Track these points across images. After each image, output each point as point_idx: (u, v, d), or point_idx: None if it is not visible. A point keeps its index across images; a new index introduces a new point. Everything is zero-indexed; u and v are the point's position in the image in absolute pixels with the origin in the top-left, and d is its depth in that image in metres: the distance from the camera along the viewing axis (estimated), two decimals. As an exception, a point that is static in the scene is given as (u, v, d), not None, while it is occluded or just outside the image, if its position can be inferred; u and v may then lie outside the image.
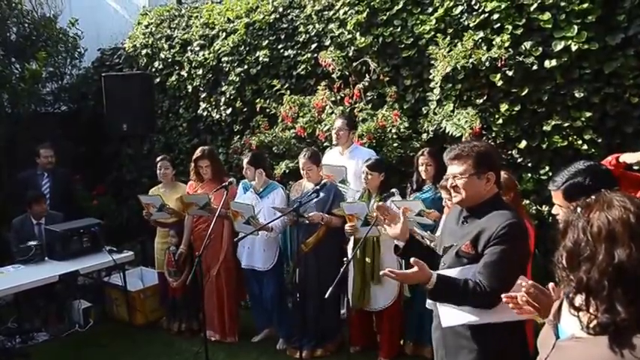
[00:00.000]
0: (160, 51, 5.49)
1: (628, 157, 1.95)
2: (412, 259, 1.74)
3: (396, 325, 3.42)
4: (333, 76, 4.18)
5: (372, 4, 4.00)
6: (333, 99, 4.16)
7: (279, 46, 4.59)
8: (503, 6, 3.37)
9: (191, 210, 3.66)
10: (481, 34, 3.49)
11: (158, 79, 5.47)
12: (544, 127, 3.36)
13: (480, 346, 1.79)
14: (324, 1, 4.34)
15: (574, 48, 3.15)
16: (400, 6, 3.88)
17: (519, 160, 3.50)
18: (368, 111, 4.00)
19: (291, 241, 3.66)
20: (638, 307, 0.94)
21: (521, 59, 3.34)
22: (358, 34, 4.06)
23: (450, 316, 1.82)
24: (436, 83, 3.65)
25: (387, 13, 3.94)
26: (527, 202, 3.34)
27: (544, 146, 3.38)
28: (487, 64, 3.41)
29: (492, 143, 3.43)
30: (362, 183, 3.39)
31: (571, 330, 1.08)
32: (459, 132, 3.46)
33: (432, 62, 3.68)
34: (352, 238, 3.31)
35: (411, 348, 3.41)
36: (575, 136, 3.27)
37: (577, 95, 3.23)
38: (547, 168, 3.37)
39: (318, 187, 3.22)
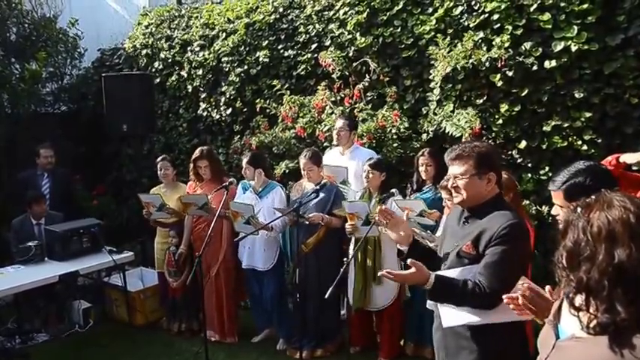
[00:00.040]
0: (160, 51, 5.49)
1: (628, 158, 1.95)
2: (409, 261, 1.75)
3: (396, 325, 3.42)
4: (333, 76, 4.18)
5: (372, 4, 4.00)
6: (333, 99, 4.16)
7: (279, 47, 4.59)
8: (503, 6, 3.37)
9: (190, 210, 3.66)
10: (481, 34, 3.49)
11: (158, 80, 5.47)
12: (544, 128, 3.36)
13: (481, 346, 1.79)
14: (324, 1, 4.35)
15: (574, 48, 3.16)
16: (400, 6, 3.89)
17: (519, 161, 3.50)
18: (368, 111, 4.01)
19: (291, 241, 3.66)
20: (638, 307, 0.94)
21: (521, 59, 3.34)
22: (358, 34, 4.07)
23: (451, 316, 1.82)
24: (436, 83, 3.65)
25: (387, 14, 3.95)
26: (527, 202, 3.35)
27: (544, 146, 3.38)
28: (487, 64, 3.42)
29: (492, 143, 3.43)
30: (363, 183, 3.39)
31: (571, 330, 1.08)
32: (459, 132, 3.46)
33: (432, 62, 3.68)
34: (353, 239, 3.31)
35: (412, 349, 3.41)
36: (575, 137, 3.27)
37: (577, 96, 3.23)
38: (547, 168, 3.38)
39: (317, 187, 3.22)
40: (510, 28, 3.36)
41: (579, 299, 1.02)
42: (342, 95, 4.16)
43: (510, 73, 3.38)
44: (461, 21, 3.62)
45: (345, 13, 4.16)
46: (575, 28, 3.16)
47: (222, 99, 4.98)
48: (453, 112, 3.60)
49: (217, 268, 3.72)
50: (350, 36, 4.12)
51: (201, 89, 5.17)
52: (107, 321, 4.23)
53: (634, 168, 2.07)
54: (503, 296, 1.48)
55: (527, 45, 3.31)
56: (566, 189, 1.54)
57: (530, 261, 2.41)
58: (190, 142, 5.30)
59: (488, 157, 1.81)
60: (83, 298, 4.24)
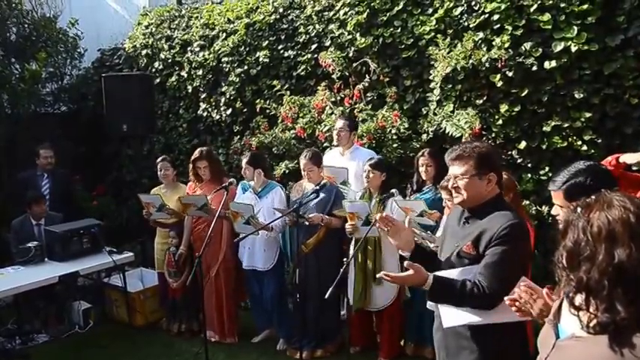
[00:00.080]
0: (160, 51, 5.49)
1: (628, 158, 1.95)
2: (406, 263, 1.76)
3: (396, 325, 3.42)
4: (333, 76, 4.18)
5: (372, 4, 4.01)
6: (333, 99, 4.17)
7: (280, 47, 4.59)
8: (503, 7, 3.38)
9: (190, 211, 3.66)
10: (481, 34, 3.49)
11: (158, 80, 5.47)
12: (544, 128, 3.36)
13: (481, 346, 1.79)
14: (325, 1, 4.35)
15: (574, 49, 3.16)
16: (400, 7, 3.89)
17: (519, 161, 3.50)
18: (368, 111, 4.01)
19: (291, 241, 3.66)
20: (638, 307, 0.95)
21: (521, 60, 3.34)
22: (358, 34, 4.07)
23: (451, 316, 1.82)
24: (436, 84, 3.66)
25: (387, 14, 3.95)
26: (527, 202, 3.35)
27: (544, 147, 3.38)
28: (487, 64, 3.42)
29: (492, 144, 3.43)
30: (363, 183, 3.39)
31: (571, 329, 1.09)
32: (459, 132, 3.46)
33: (432, 63, 3.68)
34: (354, 239, 3.31)
35: (412, 349, 3.41)
36: (574, 137, 3.27)
37: (577, 96, 3.23)
38: (547, 169, 3.38)
39: (317, 187, 3.22)
40: (510, 28, 3.37)
41: (579, 299, 1.02)
42: (342, 95, 4.17)
43: (510, 74, 3.39)
44: (461, 21, 3.62)
45: (345, 13, 4.16)
46: (575, 28, 3.16)
47: (222, 99, 4.98)
48: (452, 112, 3.60)
49: (217, 269, 3.72)
50: (350, 36, 4.12)
51: (201, 89, 5.17)
52: (107, 322, 4.22)
53: (634, 168, 2.07)
54: (505, 298, 1.48)
55: (527, 45, 3.31)
56: (566, 189, 1.54)
57: (530, 261, 2.41)
58: (190, 143, 5.30)
59: (489, 157, 1.82)
60: (83, 299, 4.23)
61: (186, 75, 5.27)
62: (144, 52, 5.63)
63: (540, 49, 3.28)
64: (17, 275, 3.60)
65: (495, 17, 3.42)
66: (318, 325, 3.50)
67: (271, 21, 4.63)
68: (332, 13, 4.28)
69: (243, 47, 4.80)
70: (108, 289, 4.28)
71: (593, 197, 1.06)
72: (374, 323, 3.54)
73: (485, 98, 3.55)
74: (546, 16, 3.24)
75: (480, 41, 3.49)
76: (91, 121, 5.74)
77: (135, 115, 4.71)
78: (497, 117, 3.51)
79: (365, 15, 4.01)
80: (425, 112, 3.82)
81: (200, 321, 3.72)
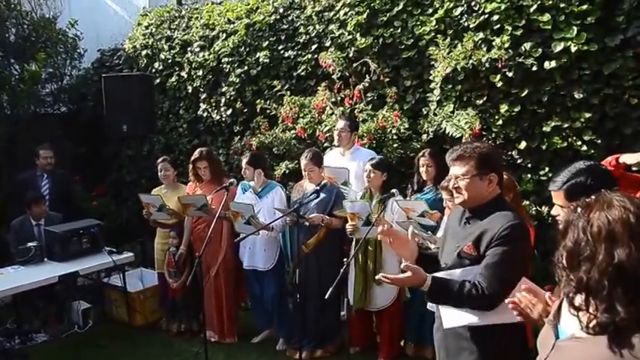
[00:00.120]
0: (160, 52, 5.49)
1: (628, 158, 1.95)
2: (403, 264, 1.76)
3: (395, 325, 3.42)
4: (334, 76, 4.18)
5: (372, 5, 4.01)
6: (333, 100, 4.17)
7: (280, 47, 4.59)
8: (503, 7, 3.38)
9: (189, 211, 3.66)
10: (481, 35, 3.49)
11: (158, 80, 5.47)
12: (544, 128, 3.36)
13: (481, 347, 1.79)
14: (325, 2, 4.35)
15: (573, 49, 3.16)
16: (400, 7, 3.89)
17: (519, 161, 3.50)
18: (368, 112, 4.01)
19: (292, 242, 3.66)
20: (638, 307, 0.95)
21: (520, 60, 3.34)
22: (358, 35, 4.07)
23: (451, 317, 1.82)
24: (436, 84, 3.66)
25: (388, 14, 3.95)
26: (527, 202, 3.35)
27: (544, 147, 3.38)
28: (487, 65, 3.42)
29: (492, 144, 3.43)
30: (364, 183, 3.39)
31: (571, 330, 1.09)
32: (459, 133, 3.47)
33: (432, 63, 3.69)
34: (355, 239, 3.31)
35: (413, 349, 3.41)
36: (574, 137, 3.28)
37: (576, 96, 3.23)
38: (547, 169, 3.38)
39: (318, 187, 3.22)
40: (510, 28, 3.37)
41: (579, 299, 1.02)
42: (343, 96, 4.17)
43: (510, 74, 3.39)
44: (461, 22, 3.62)
45: (345, 13, 4.16)
46: (575, 28, 3.16)
47: (223, 100, 4.98)
48: (453, 112, 3.60)
49: (217, 269, 3.72)
50: (350, 37, 4.12)
51: (202, 90, 5.17)
52: (107, 322, 4.22)
53: (633, 168, 2.07)
54: (507, 301, 1.49)
55: (527, 46, 3.31)
56: (567, 189, 1.54)
57: (530, 261, 2.41)
58: (190, 143, 5.30)
59: (490, 157, 1.82)
60: (83, 299, 4.23)
61: (186, 75, 5.27)
62: (144, 52, 5.63)
63: (540, 50, 3.28)
64: (17, 275, 3.59)
65: (495, 17, 3.43)
66: (318, 325, 3.50)
67: (271, 21, 4.64)
68: (332, 13, 4.29)
69: (243, 47, 4.80)
70: (107, 289, 4.28)
71: (593, 197, 1.06)
72: (374, 323, 3.54)
73: (485, 98, 3.55)
74: (546, 17, 3.24)
75: (479, 41, 3.49)
76: (90, 122, 5.74)
77: (135, 115, 4.71)
78: (497, 117, 3.51)
79: (365, 15, 4.01)
80: (425, 113, 3.83)
81: (200, 321, 3.72)
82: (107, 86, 4.75)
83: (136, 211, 4.82)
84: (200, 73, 5.11)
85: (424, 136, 3.80)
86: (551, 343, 1.13)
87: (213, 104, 5.08)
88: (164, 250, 3.92)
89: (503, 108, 3.46)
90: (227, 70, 4.91)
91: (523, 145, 3.45)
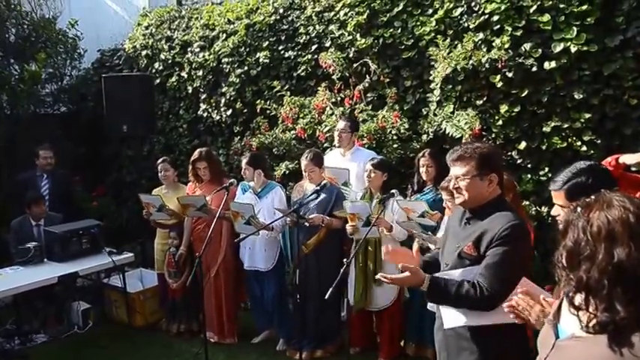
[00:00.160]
0: (160, 52, 5.49)
1: (627, 158, 1.95)
2: (400, 265, 1.78)
3: (396, 326, 3.42)
4: (334, 77, 4.18)
5: (372, 5, 4.01)
6: (333, 100, 4.17)
7: (280, 48, 4.60)
8: (502, 8, 3.38)
9: (189, 211, 3.66)
10: (481, 35, 3.49)
11: (158, 80, 5.47)
12: (544, 129, 3.36)
13: (481, 347, 1.79)
14: (325, 2, 4.35)
15: (573, 49, 3.16)
16: (400, 7, 3.89)
17: (519, 162, 3.50)
18: (368, 112, 4.01)
19: (292, 242, 3.65)
20: (638, 306, 0.95)
21: (520, 61, 3.35)
22: (358, 35, 4.07)
23: (452, 317, 1.82)
24: (436, 84, 3.66)
25: (388, 15, 3.95)
26: (527, 203, 3.35)
27: (543, 147, 3.38)
28: (487, 65, 3.42)
29: (493, 144, 3.43)
30: (364, 183, 3.39)
31: (571, 329, 1.09)
32: (459, 133, 3.47)
33: (432, 63, 3.69)
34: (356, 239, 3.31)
35: (413, 349, 3.41)
36: (574, 138, 3.28)
37: (576, 97, 3.23)
38: (546, 169, 3.38)
39: (318, 187, 3.22)
40: (510, 29, 3.37)
41: (579, 298, 1.02)
42: (343, 96, 4.17)
43: (510, 74, 3.39)
44: (461, 22, 3.63)
45: (345, 14, 4.16)
46: (575, 29, 3.17)
47: (223, 100, 4.98)
48: (453, 113, 3.61)
49: (217, 269, 3.72)
50: (350, 37, 4.12)
51: (202, 90, 5.17)
52: (106, 322, 4.22)
53: (633, 169, 2.07)
54: (503, 305, 1.50)
55: (527, 46, 3.31)
56: (568, 189, 1.54)
57: (530, 262, 2.41)
58: (191, 143, 5.30)
59: (490, 158, 1.82)
60: (82, 300, 4.23)
61: (186, 76, 5.27)
62: (144, 52, 5.64)
63: (540, 50, 3.28)
64: (16, 276, 3.59)
65: (495, 18, 3.43)
66: (318, 325, 3.50)
67: (271, 22, 4.64)
68: (332, 13, 4.29)
69: (243, 48, 4.80)
70: (107, 289, 4.28)
71: (592, 197, 1.06)
72: (374, 324, 3.54)
73: (485, 99, 3.55)
74: (546, 17, 3.24)
75: (479, 42, 3.50)
76: (90, 122, 5.74)
77: (135, 115, 4.71)
78: (497, 118, 3.52)
79: (365, 16, 4.01)
80: (425, 113, 3.83)
81: (200, 321, 3.72)
82: (107, 86, 4.75)
83: (136, 211, 4.82)
84: (200, 73, 5.11)
85: (424, 137, 3.80)
86: (551, 343, 1.13)
87: (214, 104, 5.08)
88: (164, 251, 3.92)
89: (503, 108, 3.46)
90: (227, 70, 4.91)
91: (523, 145, 3.45)
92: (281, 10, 4.62)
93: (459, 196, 1.83)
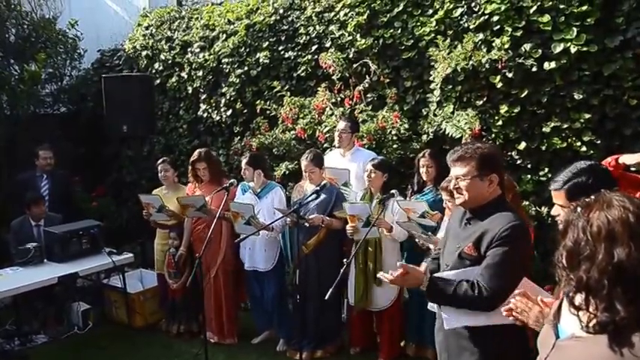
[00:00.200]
0: (160, 52, 5.50)
1: (627, 159, 1.95)
2: (398, 264, 1.80)
3: (396, 326, 3.42)
4: (334, 77, 4.18)
5: (372, 6, 4.01)
6: (333, 100, 4.17)
7: (280, 48, 4.60)
8: (502, 8, 3.38)
9: (188, 212, 3.66)
10: (481, 36, 3.50)
11: (158, 81, 5.47)
12: (543, 129, 3.36)
13: (482, 348, 1.79)
14: (325, 2, 4.35)
15: (573, 50, 3.16)
16: (400, 8, 3.90)
17: (519, 162, 3.50)
18: (368, 112, 4.01)
19: (292, 242, 3.65)
20: (638, 306, 0.95)
21: (520, 61, 3.35)
22: (359, 35, 4.07)
23: (452, 318, 1.82)
24: (436, 85, 3.66)
25: (388, 15, 3.96)
26: (527, 203, 3.35)
27: (543, 148, 3.38)
28: (487, 65, 3.42)
29: (493, 145, 3.43)
30: (365, 183, 3.38)
31: (571, 329, 1.09)
32: (459, 133, 3.47)
33: (432, 64, 3.69)
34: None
35: (413, 349, 3.41)
36: (574, 138, 3.28)
37: (576, 97, 3.23)
38: (546, 169, 3.38)
39: (318, 188, 3.22)
40: (510, 29, 3.37)
41: (579, 298, 1.02)
42: (343, 96, 4.17)
43: (510, 75, 3.39)
44: (461, 22, 3.63)
45: (345, 14, 4.17)
46: (575, 29, 3.17)
47: (223, 100, 4.98)
48: (453, 113, 3.61)
49: (216, 270, 3.72)
50: (350, 37, 4.12)
51: (202, 90, 5.17)
52: (106, 323, 4.22)
53: (632, 169, 2.08)
54: (502, 308, 1.51)
55: (527, 46, 3.31)
56: (568, 189, 1.54)
57: (531, 262, 2.41)
58: (190, 144, 5.30)
59: (491, 158, 1.82)
60: (82, 300, 4.22)
61: (186, 76, 5.27)
62: (144, 53, 5.64)
63: (540, 50, 3.29)
64: (16, 276, 3.59)
65: (495, 18, 3.43)
66: (318, 326, 3.49)
67: (271, 22, 4.64)
68: (332, 14, 4.29)
69: (243, 48, 4.80)
70: (107, 290, 4.28)
71: (592, 197, 1.06)
72: (374, 324, 3.54)
73: (485, 99, 3.55)
74: (546, 18, 3.24)
75: (479, 42, 3.50)
76: (90, 122, 5.74)
77: (135, 116, 4.71)
78: (497, 118, 3.52)
79: (365, 16, 4.02)
80: (425, 113, 3.83)
81: (199, 322, 3.72)
82: (107, 87, 4.75)
83: (135, 211, 4.82)
84: (200, 73, 5.11)
85: (424, 137, 3.80)
86: (551, 343, 1.13)
87: (214, 105, 5.08)
88: (164, 251, 3.91)
89: (503, 109, 3.46)
90: (227, 70, 4.91)
91: (523, 145, 3.45)
92: (281, 11, 4.62)
93: (459, 197, 1.84)
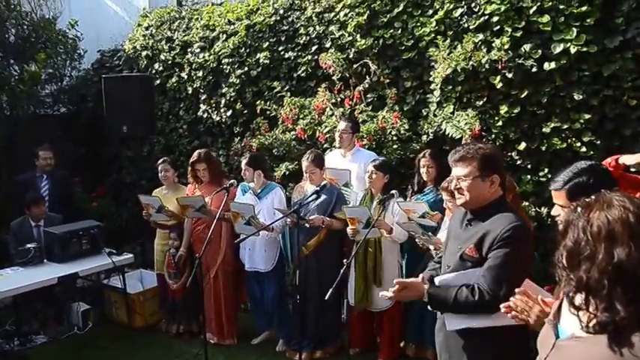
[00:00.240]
0: (160, 53, 5.50)
1: (627, 159, 1.95)
2: (395, 281, 1.83)
3: (396, 326, 3.42)
4: (334, 78, 4.18)
5: (372, 6, 4.01)
6: (333, 101, 4.17)
7: (280, 48, 4.60)
8: (502, 9, 3.38)
9: (188, 212, 3.66)
10: (481, 36, 3.50)
11: (158, 81, 5.47)
12: (543, 129, 3.36)
13: (482, 348, 1.80)
14: (325, 3, 4.36)
15: (573, 50, 3.17)
16: (400, 8, 3.90)
17: (519, 162, 3.50)
18: (368, 113, 4.01)
19: (292, 243, 3.65)
20: (638, 306, 0.95)
21: (520, 61, 3.35)
22: (359, 36, 4.08)
23: (455, 320, 1.83)
24: (436, 85, 3.66)
25: (388, 16, 3.96)
26: (527, 203, 3.35)
27: (543, 148, 3.38)
28: (487, 66, 3.42)
29: (494, 145, 3.43)
30: (365, 183, 3.38)
31: (571, 329, 1.09)
32: (459, 134, 3.47)
33: (432, 64, 3.69)
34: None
35: (413, 350, 3.41)
36: (574, 138, 3.28)
37: (576, 97, 3.24)
38: (546, 170, 3.38)
39: (318, 188, 3.22)
40: (510, 30, 3.37)
41: (579, 298, 1.02)
42: (343, 97, 4.17)
43: (510, 75, 3.39)
44: (461, 23, 3.63)
45: (345, 15, 4.17)
46: (575, 30, 3.17)
47: (223, 101, 4.98)
48: (453, 113, 3.61)
49: (216, 270, 3.72)
50: (350, 38, 4.13)
51: (202, 91, 5.17)
52: (106, 323, 4.21)
53: (632, 169, 2.08)
54: (501, 305, 1.51)
55: (527, 47, 3.32)
56: (569, 189, 1.54)
57: (532, 262, 2.41)
58: (191, 144, 5.30)
59: (493, 159, 1.82)
60: (82, 300, 4.22)
61: (186, 76, 5.27)
62: (144, 53, 5.64)
63: (540, 51, 3.29)
64: (16, 276, 3.59)
65: (495, 19, 3.43)
66: (318, 326, 3.49)
67: (272, 22, 4.64)
68: (332, 14, 4.29)
69: (243, 49, 4.80)
70: (107, 290, 4.28)
71: (593, 197, 1.06)
72: (374, 324, 3.53)
73: (485, 99, 3.55)
74: (546, 18, 3.25)
75: (479, 43, 3.50)
76: (90, 123, 5.74)
77: (135, 116, 4.71)
78: (496, 118, 3.52)
79: (365, 16, 4.02)
80: (425, 114, 3.83)
81: (199, 322, 3.71)
82: (107, 87, 4.75)
83: (135, 212, 4.82)
84: (200, 74, 5.11)
85: (424, 137, 3.80)
86: (551, 343, 1.13)
87: (214, 105, 5.08)
88: (164, 252, 3.91)
89: (503, 109, 3.47)
90: (227, 71, 4.91)
91: (523, 146, 3.45)
92: (281, 11, 4.62)
93: (460, 197, 1.84)
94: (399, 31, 3.91)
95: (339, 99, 4.18)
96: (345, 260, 2.60)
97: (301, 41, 4.47)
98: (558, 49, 3.21)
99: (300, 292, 3.41)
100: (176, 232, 3.85)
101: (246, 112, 4.83)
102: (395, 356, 3.44)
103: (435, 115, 3.72)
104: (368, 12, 4.02)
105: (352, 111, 4.09)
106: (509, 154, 3.53)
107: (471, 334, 1.80)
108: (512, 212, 1.81)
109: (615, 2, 3.11)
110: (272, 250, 3.63)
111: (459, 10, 3.62)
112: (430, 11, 3.79)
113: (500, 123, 3.51)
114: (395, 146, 3.83)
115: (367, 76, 4.09)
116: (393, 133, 3.85)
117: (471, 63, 3.46)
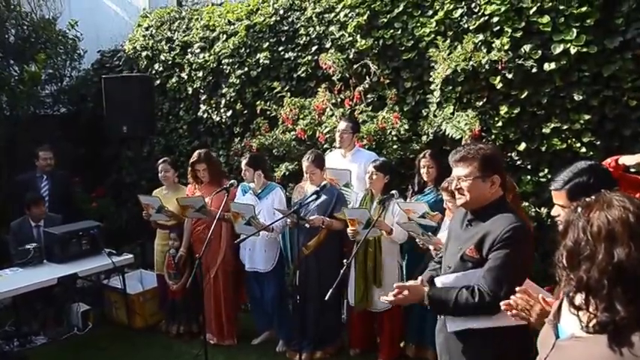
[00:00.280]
0: (160, 53, 5.50)
1: (627, 159, 1.95)
2: (395, 284, 1.83)
3: (396, 327, 3.42)
4: (334, 78, 4.19)
5: (372, 6, 4.02)
6: (333, 101, 4.17)
7: (280, 49, 4.60)
8: (502, 9, 3.39)
9: (188, 213, 3.66)
10: (481, 36, 3.50)
11: (158, 81, 5.48)
12: (543, 130, 3.37)
13: (482, 349, 1.80)
14: (325, 3, 4.36)
15: (573, 51, 3.17)
16: (401, 9, 3.90)
17: (519, 163, 3.51)
18: (368, 113, 4.01)
19: (292, 243, 3.65)
20: (638, 306, 0.95)
21: (520, 62, 3.35)
22: (359, 36, 4.08)
23: (455, 321, 1.83)
24: (436, 85, 3.66)
25: (388, 16, 3.96)
26: (527, 204, 3.35)
27: (543, 149, 3.38)
28: (487, 66, 3.43)
29: (495, 145, 3.43)
30: (366, 183, 3.38)
31: (571, 329, 1.09)
32: (459, 134, 3.47)
33: (432, 65, 3.69)
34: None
35: (413, 350, 3.40)
36: (574, 139, 3.28)
37: (576, 98, 3.24)
38: (546, 170, 3.38)
39: (318, 188, 3.22)
40: (510, 30, 3.37)
41: (579, 298, 1.02)
42: (343, 97, 4.17)
43: (510, 76, 3.39)
44: (461, 23, 3.63)
45: (345, 15, 4.17)
46: (574, 30, 3.17)
47: (223, 101, 4.98)
48: (452, 114, 3.61)
49: (216, 270, 3.72)
50: (350, 38, 4.13)
51: (202, 91, 5.17)
52: (106, 324, 4.21)
53: (632, 170, 2.08)
54: (501, 303, 1.50)
55: (527, 47, 3.32)
56: (569, 189, 1.54)
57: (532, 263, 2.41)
58: (191, 145, 5.30)
59: (493, 159, 1.82)
60: (82, 301, 4.21)
61: (186, 76, 5.27)
62: (144, 53, 5.64)
63: (540, 51, 3.29)
64: (16, 277, 3.58)
65: (495, 19, 3.43)
66: (318, 327, 3.49)
67: (272, 23, 4.64)
68: (332, 14, 4.29)
69: (243, 49, 4.81)
70: (107, 290, 4.27)
71: (593, 197, 1.06)
72: (374, 324, 3.53)
73: (485, 100, 3.56)
74: (545, 19, 3.25)
75: (479, 43, 3.50)
76: (90, 123, 5.74)
77: (135, 116, 4.71)
78: (496, 119, 3.52)
79: (365, 17, 4.02)
80: (425, 114, 3.83)
81: (199, 323, 3.71)
82: (107, 87, 4.75)
83: (135, 212, 4.81)
84: (200, 74, 5.12)
85: (424, 138, 3.80)
86: (551, 343, 1.13)
87: (214, 105, 5.08)
88: (164, 252, 3.91)
89: (503, 109, 3.47)
90: (227, 71, 4.91)
91: (522, 146, 3.45)
92: (281, 11, 4.63)
93: (460, 197, 1.84)
94: (399, 32, 3.91)
95: (339, 99, 4.18)
96: (345, 260, 2.60)
97: (301, 41, 4.48)
98: (558, 49, 3.22)
99: (300, 292, 3.41)
100: (176, 232, 3.85)
101: (246, 112, 4.83)
102: (395, 357, 3.44)
103: (435, 116, 3.72)
104: (368, 12, 4.02)
105: (352, 111, 4.09)
106: (509, 154, 3.53)
107: (472, 335, 1.80)
108: (513, 213, 1.81)
109: (615, 3, 3.11)
110: (272, 250, 3.63)
111: (459, 11, 3.62)
112: (430, 12, 3.79)
113: (500, 123, 3.51)
114: (395, 146, 3.83)
115: (367, 77, 4.09)
116: (393, 133, 3.85)
117: (471, 63, 3.46)
